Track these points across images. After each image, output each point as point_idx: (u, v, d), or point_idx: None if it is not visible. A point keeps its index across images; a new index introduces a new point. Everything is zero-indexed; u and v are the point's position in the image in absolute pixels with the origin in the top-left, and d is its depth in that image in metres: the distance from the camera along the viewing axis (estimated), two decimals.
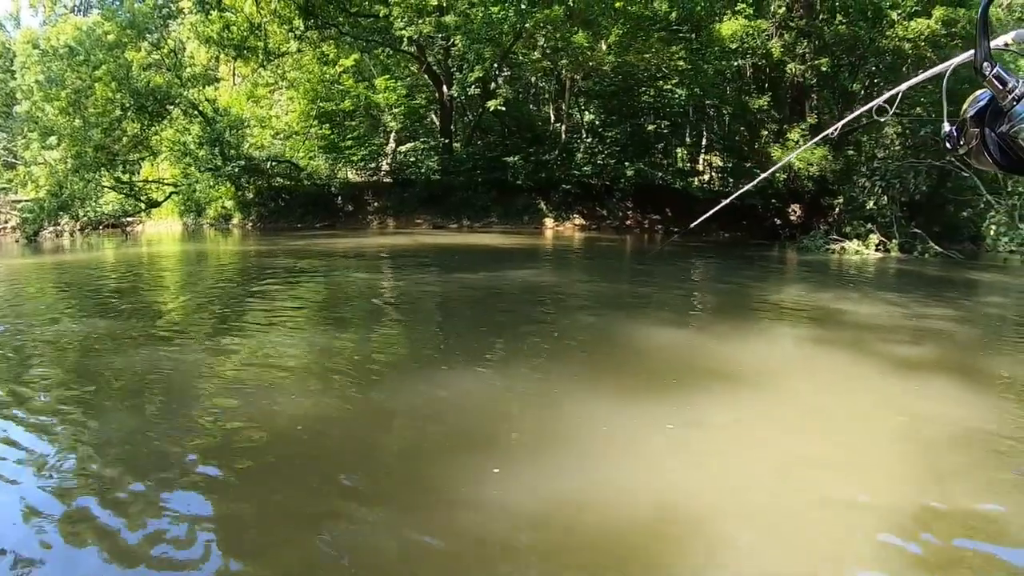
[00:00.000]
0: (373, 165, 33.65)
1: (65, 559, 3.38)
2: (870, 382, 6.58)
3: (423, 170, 31.90)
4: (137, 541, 3.49)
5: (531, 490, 4.10)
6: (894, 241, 20.46)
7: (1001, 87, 1.56)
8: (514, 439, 4.94)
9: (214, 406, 5.57)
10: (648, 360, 7.20)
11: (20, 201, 33.79)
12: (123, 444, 4.77)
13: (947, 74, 1.91)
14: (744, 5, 22.67)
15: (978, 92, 1.73)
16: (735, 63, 24.33)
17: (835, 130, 3.29)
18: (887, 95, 2.14)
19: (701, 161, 30.90)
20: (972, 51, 1.58)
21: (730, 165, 28.65)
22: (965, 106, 1.76)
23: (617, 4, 23.06)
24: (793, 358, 7.53)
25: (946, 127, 1.85)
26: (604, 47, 24.84)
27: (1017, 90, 1.54)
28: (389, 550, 3.48)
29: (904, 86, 2.14)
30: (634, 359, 7.27)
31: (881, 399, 6.09)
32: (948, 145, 1.84)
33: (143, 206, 31.51)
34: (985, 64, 1.55)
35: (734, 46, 22.97)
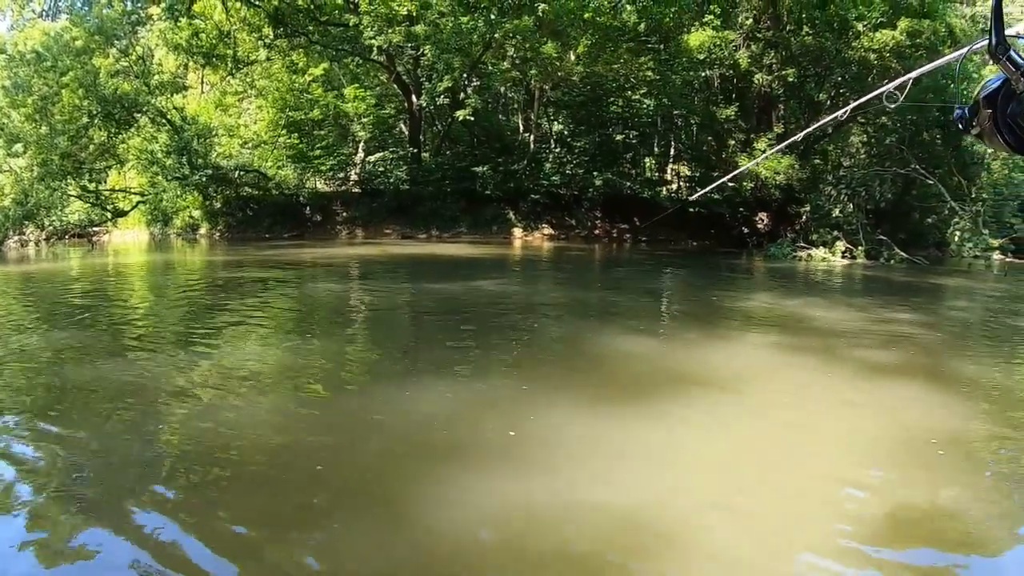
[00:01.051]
0: (342, 175, 33.54)
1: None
2: (839, 387, 6.64)
3: (392, 180, 31.88)
4: (106, 555, 3.49)
5: (501, 498, 4.13)
6: (860, 248, 20.79)
7: (1014, 69, 1.60)
8: (484, 447, 4.95)
9: (182, 418, 5.59)
10: (618, 368, 7.23)
11: None
12: (91, 457, 4.75)
13: (960, 61, 1.97)
14: (712, 16, 22.86)
15: (989, 76, 1.78)
16: (703, 74, 24.59)
17: (845, 112, 3.34)
18: (898, 81, 2.19)
19: (669, 171, 31.07)
20: (986, 37, 1.62)
21: (698, 174, 28.84)
22: (978, 89, 1.81)
23: (586, 15, 23.27)
24: (763, 364, 7.56)
25: (958, 110, 1.91)
26: (573, 57, 24.99)
27: None
28: (361, 559, 3.52)
29: (916, 73, 2.20)
30: (604, 367, 7.30)
31: (850, 403, 6.14)
32: (960, 127, 1.90)
33: (109, 215, 31.20)
34: (999, 47, 1.58)
35: (702, 57, 23.21)
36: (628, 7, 24.19)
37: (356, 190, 32.41)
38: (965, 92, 18.58)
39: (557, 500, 4.09)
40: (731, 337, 9.11)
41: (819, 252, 20.94)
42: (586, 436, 5.10)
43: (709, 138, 27.72)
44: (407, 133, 31.85)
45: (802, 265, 19.70)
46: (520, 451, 4.84)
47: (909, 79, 2.27)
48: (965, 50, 1.87)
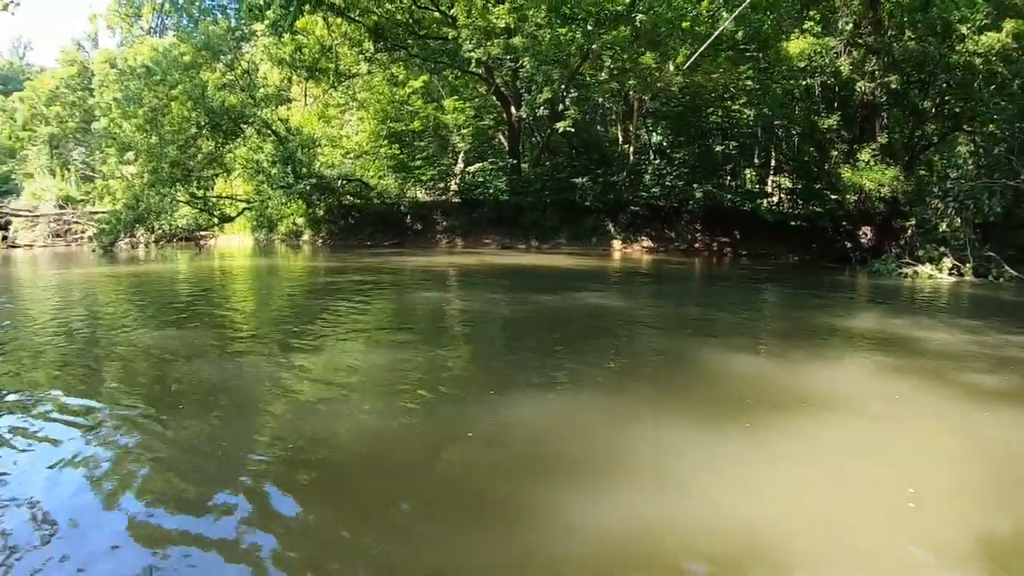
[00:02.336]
0: (442, 185, 34.13)
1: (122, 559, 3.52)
2: (947, 412, 6.33)
3: (491, 190, 32.22)
4: (197, 547, 3.62)
5: (594, 512, 4.06)
6: (968, 265, 19.85)
7: None
8: (581, 462, 4.85)
9: (279, 419, 5.73)
10: (718, 386, 7.03)
11: (97, 212, 34.90)
12: (187, 453, 4.93)
13: None
14: (812, 23, 22.34)
15: None
16: (803, 82, 23.98)
17: None
18: None
19: (770, 183, 30.46)
20: None
21: (799, 186, 28.15)
22: None
23: (684, 24, 22.87)
24: (867, 387, 7.26)
25: None
26: (672, 67, 24.66)
27: None
28: (457, 567, 3.51)
29: None
30: (704, 385, 7.11)
31: (959, 430, 5.85)
32: None
33: (216, 221, 32.33)
34: None
35: (802, 64, 22.73)
36: (725, 15, 23.75)
37: (456, 200, 32.97)
38: None
39: (652, 518, 4.04)
40: (834, 357, 8.81)
41: (925, 269, 20.15)
42: (684, 455, 5.00)
43: (811, 148, 27.15)
44: (506, 144, 32.21)
45: (907, 282, 18.96)
46: (614, 466, 4.76)
47: None
48: None
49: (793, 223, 26.67)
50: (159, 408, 5.89)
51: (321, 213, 32.57)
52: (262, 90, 31.20)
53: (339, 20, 29.35)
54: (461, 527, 3.94)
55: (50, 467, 4.63)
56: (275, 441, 5.19)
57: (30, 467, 4.67)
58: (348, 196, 32.41)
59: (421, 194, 33.96)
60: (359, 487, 4.48)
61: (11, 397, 6.27)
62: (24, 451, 4.95)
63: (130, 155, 31.46)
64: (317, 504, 4.20)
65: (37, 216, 38.29)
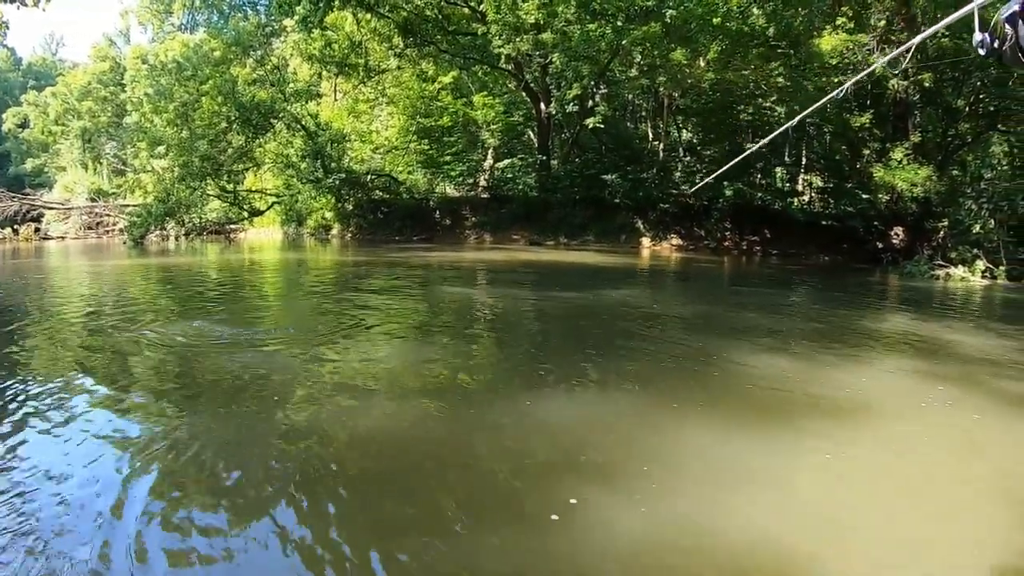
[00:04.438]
0: (471, 180, 34.27)
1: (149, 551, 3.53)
2: (984, 421, 6.18)
3: (520, 186, 32.43)
4: (221, 541, 3.64)
5: (624, 516, 4.04)
6: (1001, 268, 19.50)
7: None
8: (611, 463, 4.81)
9: (305, 413, 5.71)
10: (747, 388, 6.93)
11: (128, 205, 35.41)
12: (213, 445, 4.95)
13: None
14: (844, 19, 22.08)
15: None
16: (835, 79, 23.66)
17: (792, 123, 3.15)
18: (901, 48, 2.17)
19: (800, 181, 30.14)
20: None
21: (831, 185, 27.87)
22: (998, 13, 1.80)
23: (715, 20, 22.76)
24: (899, 392, 7.15)
25: (978, 35, 1.89)
26: (702, 64, 24.49)
27: None
28: (488, 570, 3.53)
29: (919, 38, 2.20)
30: (733, 386, 7.01)
31: (994, 439, 5.71)
32: (982, 51, 1.87)
33: (246, 214, 32.78)
34: None
35: (834, 62, 22.44)
36: (756, 11, 23.50)
37: (485, 196, 33.17)
38: None
39: (682, 524, 4.00)
40: (866, 360, 8.64)
41: (958, 271, 19.87)
42: (714, 459, 4.94)
43: (843, 147, 26.95)
44: (535, 140, 32.26)
45: (939, 285, 18.69)
46: (644, 470, 4.68)
47: (912, 44, 2.23)
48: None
49: (824, 222, 26.43)
50: (184, 399, 6.05)
51: (350, 207, 32.82)
52: (292, 85, 31.45)
53: (368, 16, 29.49)
54: (496, 526, 3.94)
55: (78, 448, 4.80)
56: (298, 435, 5.19)
57: (57, 451, 4.79)
58: (377, 191, 32.75)
59: (450, 189, 34.21)
60: (391, 484, 4.46)
61: (43, 383, 6.47)
62: (51, 435, 5.12)
63: (161, 149, 31.93)
64: (347, 501, 4.19)
65: (69, 209, 39.05)
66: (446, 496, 4.24)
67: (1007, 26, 1.78)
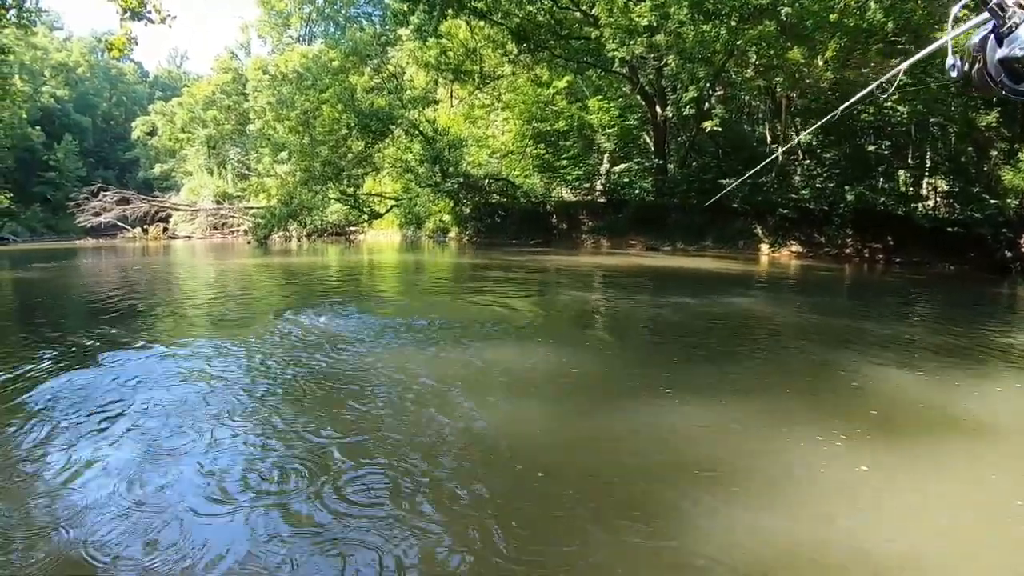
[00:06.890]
0: (587, 185, 34.52)
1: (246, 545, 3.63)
2: None
3: (637, 191, 32.31)
4: (361, 552, 3.61)
5: (746, 526, 4.01)
6: None
7: (1001, 14, 1.76)
8: (731, 472, 4.77)
9: (423, 413, 5.76)
10: (864, 403, 6.57)
11: (252, 208, 37.05)
12: (319, 439, 5.11)
13: (953, 14, 2.20)
14: (966, 12, 21.51)
15: (979, 23, 1.99)
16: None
17: (836, 115, 3.37)
18: (889, 74, 2.42)
19: (924, 185, 29.12)
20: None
21: (956, 189, 26.64)
22: (968, 39, 2.00)
23: (832, 17, 22.37)
24: None
25: (951, 59, 2.09)
26: (820, 63, 24.19)
27: (1015, 16, 1.74)
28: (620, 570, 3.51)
29: (907, 64, 2.42)
30: (853, 401, 6.68)
31: None
32: (954, 74, 2.07)
33: (366, 217, 33.86)
34: None
35: (959, 55, 21.76)
36: (873, 5, 22.95)
37: (601, 200, 33.32)
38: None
39: (803, 539, 3.92)
40: (991, 378, 8.15)
41: None
42: (833, 476, 4.78)
43: (969, 148, 26.00)
44: (651, 144, 32.18)
45: None
46: (762, 481, 4.65)
47: (900, 71, 2.37)
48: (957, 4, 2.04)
49: (949, 229, 25.38)
50: (297, 396, 6.26)
51: (468, 211, 33.59)
52: (409, 92, 32.51)
53: (482, 23, 30.18)
54: (615, 527, 3.91)
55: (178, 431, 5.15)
56: (428, 440, 5.19)
57: (157, 435, 5.12)
58: (494, 195, 33.56)
59: (567, 194, 34.60)
60: (504, 485, 4.48)
61: (160, 361, 7.19)
62: (153, 414, 5.56)
63: (283, 155, 33.43)
64: (456, 502, 4.20)
65: (196, 211, 41.18)
66: (565, 499, 4.25)
67: (976, 52, 2.02)
